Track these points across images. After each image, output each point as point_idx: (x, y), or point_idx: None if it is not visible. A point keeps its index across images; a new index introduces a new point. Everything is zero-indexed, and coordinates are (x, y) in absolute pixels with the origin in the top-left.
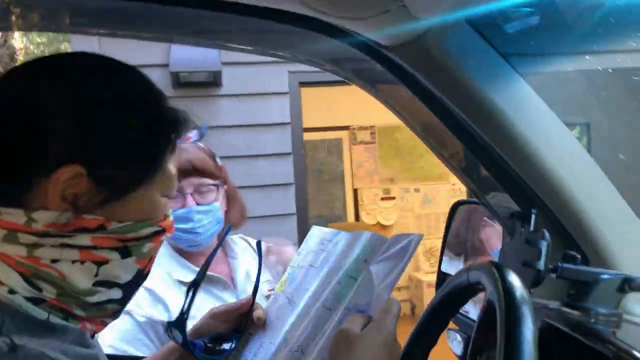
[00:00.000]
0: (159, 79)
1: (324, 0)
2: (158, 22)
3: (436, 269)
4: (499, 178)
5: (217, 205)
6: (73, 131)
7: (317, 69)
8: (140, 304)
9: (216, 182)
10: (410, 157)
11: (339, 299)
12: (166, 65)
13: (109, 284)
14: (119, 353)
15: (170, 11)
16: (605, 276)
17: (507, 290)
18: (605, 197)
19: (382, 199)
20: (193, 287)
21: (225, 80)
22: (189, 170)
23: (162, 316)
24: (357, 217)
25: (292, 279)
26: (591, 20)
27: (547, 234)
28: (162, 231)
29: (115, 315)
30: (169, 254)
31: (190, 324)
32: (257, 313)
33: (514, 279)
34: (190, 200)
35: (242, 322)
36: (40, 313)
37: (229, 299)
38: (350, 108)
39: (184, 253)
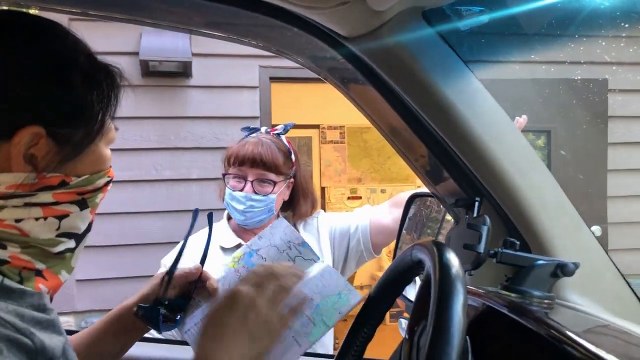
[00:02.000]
0: (128, 66)
1: None
2: (129, 3)
3: None
4: (449, 169)
5: (272, 197)
6: (26, 93)
7: (288, 65)
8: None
9: (278, 177)
10: (378, 159)
11: (310, 340)
12: (136, 54)
13: (69, 235)
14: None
15: None
16: (540, 262)
17: (443, 265)
18: (546, 188)
19: (349, 198)
20: (168, 275)
21: (195, 71)
22: (257, 162)
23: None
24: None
25: (248, 261)
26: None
27: (487, 219)
28: (110, 181)
29: (68, 264)
30: (224, 228)
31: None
32: (212, 282)
33: (451, 256)
34: (249, 188)
35: (190, 289)
36: None
37: None
38: (321, 107)
39: (236, 229)
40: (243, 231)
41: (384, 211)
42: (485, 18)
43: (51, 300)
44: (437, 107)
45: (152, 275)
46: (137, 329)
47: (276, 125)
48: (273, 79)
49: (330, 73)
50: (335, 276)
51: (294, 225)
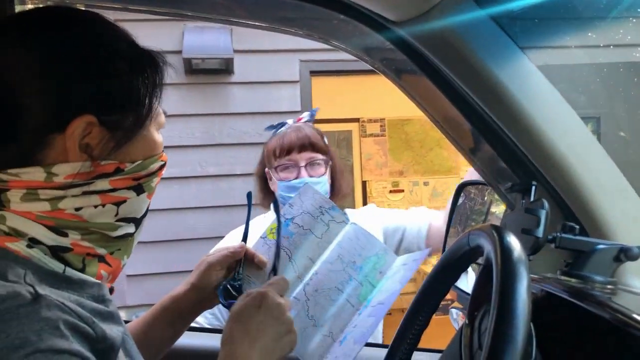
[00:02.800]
0: (172, 65)
1: None
2: None
3: None
4: (503, 154)
5: (325, 178)
6: (76, 84)
7: (328, 58)
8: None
9: (325, 157)
10: (420, 150)
11: (361, 300)
12: (179, 52)
13: (127, 220)
14: None
15: None
16: (602, 246)
17: (505, 248)
18: (605, 171)
19: (391, 191)
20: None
21: (237, 68)
22: (305, 145)
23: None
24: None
25: (286, 231)
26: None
27: (546, 203)
28: (164, 165)
29: (128, 248)
30: (269, 217)
31: None
32: (259, 258)
33: (512, 240)
34: (303, 172)
35: (237, 268)
36: (57, 265)
37: None
38: (361, 100)
39: None
40: None
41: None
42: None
43: (112, 292)
44: (490, 91)
45: None
46: (187, 317)
47: (320, 120)
48: (313, 73)
49: (381, 62)
50: (369, 237)
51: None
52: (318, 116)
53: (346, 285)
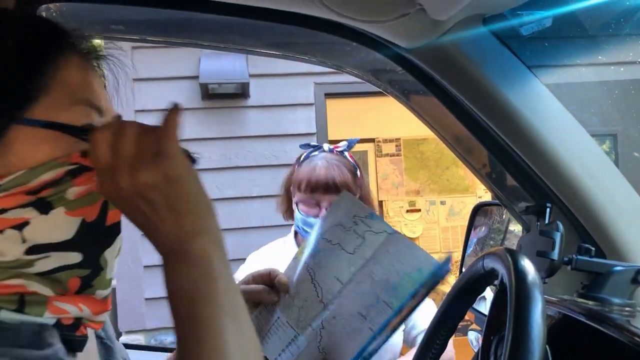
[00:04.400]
0: (189, 90)
1: (345, 4)
2: (189, 29)
3: None
4: (517, 175)
5: None
6: None
7: (342, 80)
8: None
9: None
10: (436, 170)
11: (384, 326)
12: (196, 77)
13: (44, 248)
14: None
15: (201, 19)
16: (619, 268)
17: (519, 272)
18: (619, 192)
19: (408, 211)
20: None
21: (252, 92)
22: (330, 187)
23: None
24: None
25: (314, 248)
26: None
27: (560, 225)
28: (80, 168)
29: (100, 286)
30: (292, 248)
31: None
32: (280, 279)
33: (526, 263)
34: (323, 212)
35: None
36: None
37: None
38: (376, 120)
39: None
40: None
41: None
42: (547, 22)
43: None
44: (501, 113)
45: None
46: None
47: (334, 140)
48: (328, 95)
49: (390, 85)
50: (413, 249)
51: None
52: (333, 137)
53: (371, 310)
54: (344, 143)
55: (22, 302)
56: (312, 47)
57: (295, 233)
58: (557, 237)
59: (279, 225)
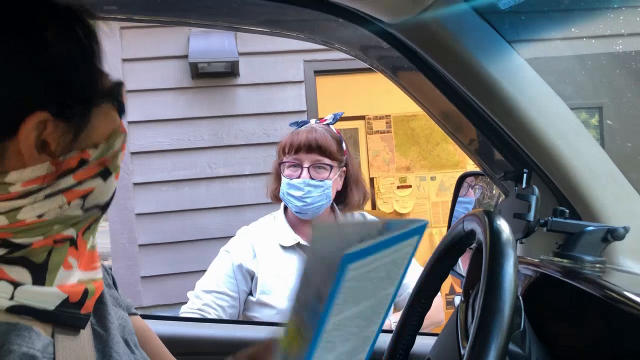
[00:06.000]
0: (179, 69)
1: None
2: (177, 7)
3: None
4: (497, 144)
5: (329, 183)
6: (14, 85)
7: (332, 57)
8: (242, 253)
9: (333, 162)
10: (427, 146)
11: None
12: (185, 57)
13: (93, 208)
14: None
15: None
16: (591, 228)
17: (494, 231)
18: (594, 158)
19: (399, 187)
20: None
21: (242, 70)
22: (312, 147)
23: (254, 268)
24: (373, 205)
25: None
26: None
27: (536, 189)
28: (125, 136)
29: (95, 228)
30: (281, 224)
31: (281, 283)
32: None
33: (501, 223)
34: (305, 174)
35: None
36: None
37: None
38: (366, 97)
39: (294, 222)
40: (301, 224)
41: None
42: None
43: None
44: (482, 85)
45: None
46: None
47: (323, 117)
48: (318, 73)
49: (378, 61)
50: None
51: (345, 215)
52: (323, 114)
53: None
54: (330, 115)
55: (48, 255)
56: (300, 24)
57: (285, 208)
58: (533, 200)
59: (271, 203)
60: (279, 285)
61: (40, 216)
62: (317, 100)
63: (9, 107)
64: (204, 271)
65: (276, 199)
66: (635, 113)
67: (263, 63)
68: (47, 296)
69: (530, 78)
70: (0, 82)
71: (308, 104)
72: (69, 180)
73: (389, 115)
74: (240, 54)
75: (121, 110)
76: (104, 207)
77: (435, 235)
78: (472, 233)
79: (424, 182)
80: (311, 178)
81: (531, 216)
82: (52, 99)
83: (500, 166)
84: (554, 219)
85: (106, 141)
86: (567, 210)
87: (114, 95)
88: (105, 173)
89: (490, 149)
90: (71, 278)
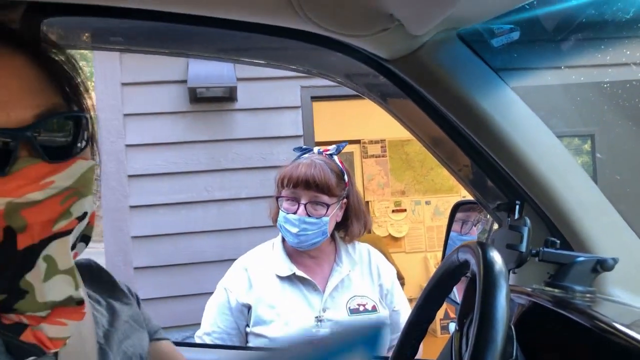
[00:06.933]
0: (177, 94)
1: (330, 19)
2: (175, 40)
3: None
4: (490, 175)
5: (326, 220)
6: None
7: (328, 84)
8: (238, 288)
9: (331, 199)
10: (421, 170)
11: None
12: (184, 82)
13: None
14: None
15: (188, 30)
16: (581, 258)
17: (487, 262)
18: (584, 189)
19: (394, 211)
20: None
21: (240, 95)
22: (309, 184)
23: (250, 300)
24: (369, 229)
25: None
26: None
27: (528, 220)
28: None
29: (29, 309)
30: (278, 253)
31: (276, 314)
32: None
33: (495, 254)
34: (302, 211)
35: None
36: None
37: (314, 300)
38: (361, 122)
39: (291, 252)
40: (297, 254)
41: None
42: (515, 35)
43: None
44: (475, 118)
45: (207, 293)
46: None
47: (321, 142)
48: (314, 98)
49: (370, 90)
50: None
51: (346, 245)
52: (320, 139)
53: None
54: (333, 147)
55: None
56: (298, 56)
57: (283, 238)
58: (525, 231)
59: (268, 226)
60: (274, 316)
61: None
62: (313, 125)
63: None
64: (199, 294)
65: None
66: (625, 141)
67: (261, 88)
68: None
69: (522, 112)
70: None
71: (305, 129)
72: None
73: (384, 140)
74: (239, 79)
75: None
76: None
77: (430, 260)
78: (466, 263)
79: (418, 206)
80: (308, 214)
81: (523, 247)
82: None
83: (493, 196)
84: (546, 249)
85: None
86: (558, 241)
87: None
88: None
89: (484, 179)
90: None
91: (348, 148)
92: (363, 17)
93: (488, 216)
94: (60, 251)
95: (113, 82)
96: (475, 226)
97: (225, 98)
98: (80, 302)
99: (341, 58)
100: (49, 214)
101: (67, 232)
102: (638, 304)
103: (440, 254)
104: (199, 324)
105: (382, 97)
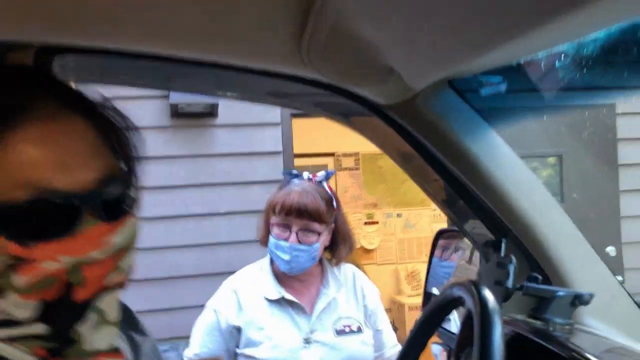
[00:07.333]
0: (159, 109)
1: (332, 69)
2: (179, 77)
3: (418, 292)
4: (476, 211)
5: (317, 246)
6: None
7: None
8: (227, 309)
9: (322, 226)
10: (393, 183)
11: None
12: (166, 97)
13: (7, 323)
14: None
15: (193, 70)
16: (561, 293)
17: (482, 301)
18: (562, 226)
19: (366, 223)
20: None
21: (221, 111)
22: (301, 212)
23: (239, 322)
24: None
25: None
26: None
27: (513, 259)
28: (18, 260)
29: (76, 355)
30: (267, 276)
31: (265, 336)
32: None
33: (488, 294)
34: (293, 237)
35: None
36: None
37: (302, 323)
38: (336, 136)
39: (280, 275)
40: (286, 277)
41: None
42: (502, 88)
43: None
44: (464, 160)
45: (185, 307)
46: None
47: (298, 154)
48: (294, 115)
49: (362, 131)
50: None
51: (332, 268)
52: (296, 150)
53: None
54: (322, 173)
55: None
56: (293, 96)
57: (272, 260)
58: (511, 268)
59: (246, 242)
60: (263, 338)
61: None
62: (292, 141)
63: None
64: (177, 308)
65: (265, 244)
66: (594, 162)
67: (242, 105)
68: None
69: (506, 154)
70: None
71: (284, 145)
72: None
73: (358, 153)
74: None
75: None
76: (27, 324)
77: (401, 272)
78: (459, 299)
79: (390, 218)
80: (299, 242)
81: (510, 283)
82: None
83: (479, 232)
84: (529, 284)
85: None
86: (540, 277)
87: None
88: None
89: (472, 216)
90: None
91: (322, 160)
92: (366, 69)
93: (467, 244)
94: (110, 304)
95: (94, 96)
96: (455, 253)
97: (206, 114)
98: (119, 349)
99: (337, 99)
100: (105, 270)
101: (118, 286)
102: (611, 335)
103: (410, 266)
104: (177, 338)
105: (380, 142)
